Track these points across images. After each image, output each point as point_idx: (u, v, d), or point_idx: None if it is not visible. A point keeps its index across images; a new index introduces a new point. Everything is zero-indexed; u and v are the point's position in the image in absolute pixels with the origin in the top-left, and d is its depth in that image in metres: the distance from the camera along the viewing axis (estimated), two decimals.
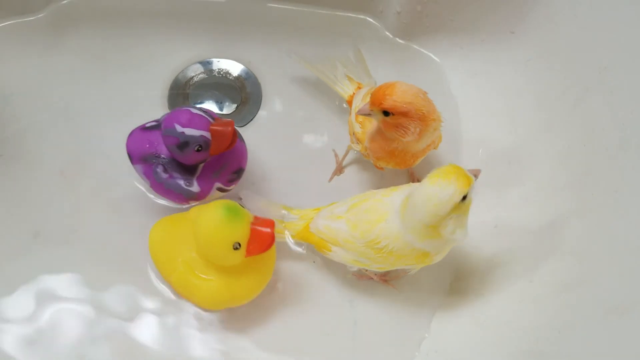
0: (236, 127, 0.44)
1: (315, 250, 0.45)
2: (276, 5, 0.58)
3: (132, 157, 0.46)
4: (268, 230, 0.40)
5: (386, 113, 0.40)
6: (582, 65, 0.46)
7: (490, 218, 0.46)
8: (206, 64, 0.56)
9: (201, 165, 0.45)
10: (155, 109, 0.54)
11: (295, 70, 0.55)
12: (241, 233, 0.39)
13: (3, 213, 0.49)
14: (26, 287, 0.46)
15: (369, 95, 0.42)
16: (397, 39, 0.57)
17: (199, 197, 0.45)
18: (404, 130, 0.41)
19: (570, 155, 0.45)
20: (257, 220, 0.40)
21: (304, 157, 0.52)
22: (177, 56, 0.56)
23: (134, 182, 0.50)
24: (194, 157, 0.43)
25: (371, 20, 0.58)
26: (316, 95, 0.55)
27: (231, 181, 0.46)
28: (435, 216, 0.36)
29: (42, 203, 0.49)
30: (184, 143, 0.42)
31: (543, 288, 0.40)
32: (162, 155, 0.45)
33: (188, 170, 0.45)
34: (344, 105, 0.53)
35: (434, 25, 0.55)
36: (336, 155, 0.52)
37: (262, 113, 0.54)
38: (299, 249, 0.48)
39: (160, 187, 0.46)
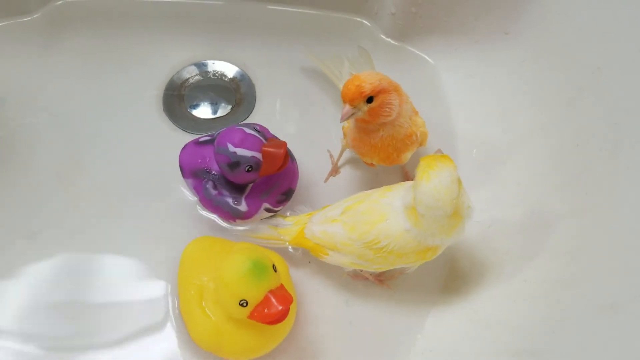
0: (288, 148, 0.45)
1: (310, 254, 0.45)
2: (272, 7, 0.58)
3: (183, 171, 0.47)
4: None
5: (370, 100, 0.41)
6: (575, 65, 0.46)
7: (485, 218, 0.46)
8: (201, 65, 0.56)
9: (251, 185, 0.45)
10: (151, 110, 0.54)
11: (288, 72, 0.55)
12: (253, 294, 0.37)
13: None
14: (19, 288, 0.46)
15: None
16: (392, 40, 0.57)
17: (246, 217, 0.46)
18: (389, 107, 0.42)
19: (564, 155, 0.45)
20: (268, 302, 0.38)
21: (298, 158, 0.52)
22: (172, 58, 0.56)
23: (129, 181, 0.50)
24: (244, 177, 0.43)
25: (366, 22, 0.58)
26: (309, 97, 0.55)
27: (280, 202, 0.46)
28: (452, 201, 0.36)
29: (37, 204, 0.49)
30: (235, 163, 0.42)
31: (537, 287, 0.40)
32: (213, 172, 0.45)
33: (237, 189, 0.45)
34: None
35: (428, 27, 0.55)
36: (331, 156, 0.53)
37: (256, 114, 0.54)
38: (291, 251, 0.48)
39: (209, 203, 0.46)
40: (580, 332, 0.35)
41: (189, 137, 0.52)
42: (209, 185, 0.46)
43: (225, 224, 0.48)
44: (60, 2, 0.58)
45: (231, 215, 0.46)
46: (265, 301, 0.38)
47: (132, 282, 0.47)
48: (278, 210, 0.47)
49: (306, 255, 0.47)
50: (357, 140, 0.45)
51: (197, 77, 0.56)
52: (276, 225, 0.46)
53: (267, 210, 0.46)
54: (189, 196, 0.50)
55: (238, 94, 0.55)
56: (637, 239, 0.36)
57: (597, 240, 0.39)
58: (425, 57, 0.57)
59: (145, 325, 0.45)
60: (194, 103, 0.55)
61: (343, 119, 0.41)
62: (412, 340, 0.44)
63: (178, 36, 0.57)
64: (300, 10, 0.58)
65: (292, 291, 0.42)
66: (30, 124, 0.53)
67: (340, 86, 0.51)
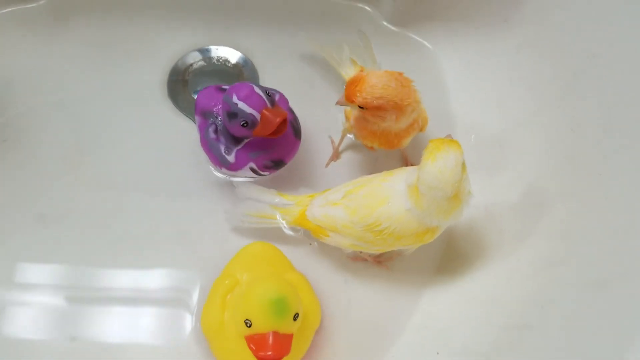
0: (294, 124, 0.47)
1: (311, 235, 0.46)
2: None
3: (196, 108, 0.49)
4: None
5: (361, 106, 0.42)
6: (571, 52, 0.47)
7: (481, 201, 0.47)
8: (205, 51, 0.57)
9: (246, 141, 0.46)
10: (155, 95, 0.55)
11: (290, 57, 0.56)
12: (260, 323, 0.37)
13: (8, 197, 0.50)
14: (29, 270, 0.47)
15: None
16: (393, 26, 0.58)
17: (231, 167, 0.47)
18: (380, 118, 0.43)
19: (558, 139, 0.46)
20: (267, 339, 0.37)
21: (301, 143, 0.53)
22: (176, 43, 0.57)
23: (134, 166, 0.51)
24: (239, 130, 0.45)
25: (368, 8, 0.59)
26: (312, 83, 0.56)
27: (267, 167, 0.47)
28: (454, 183, 0.38)
29: (45, 187, 0.50)
30: (233, 113, 0.44)
31: (528, 266, 0.41)
32: (219, 118, 0.47)
33: (234, 140, 0.47)
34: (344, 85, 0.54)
35: (428, 13, 0.56)
36: (332, 142, 0.53)
37: None
38: (292, 234, 0.49)
39: (205, 144, 0.48)
40: (568, 308, 0.37)
41: (192, 122, 0.53)
42: (211, 128, 0.48)
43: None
44: None
45: (219, 161, 0.48)
46: (264, 337, 0.37)
47: (138, 267, 0.48)
48: (263, 175, 0.48)
49: (307, 237, 0.48)
50: (357, 122, 0.46)
51: (201, 63, 0.57)
52: (276, 205, 0.47)
53: (252, 170, 0.47)
54: (191, 179, 0.51)
55: (241, 79, 0.56)
56: (623, 221, 0.37)
57: (585, 222, 0.40)
58: (425, 43, 0.57)
59: (157, 311, 0.46)
60: (198, 88, 0.56)
61: (337, 104, 0.43)
62: (408, 318, 0.46)
63: (182, 22, 0.57)
64: None
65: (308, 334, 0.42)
66: (36, 108, 0.53)
67: (342, 72, 0.52)
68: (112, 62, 0.56)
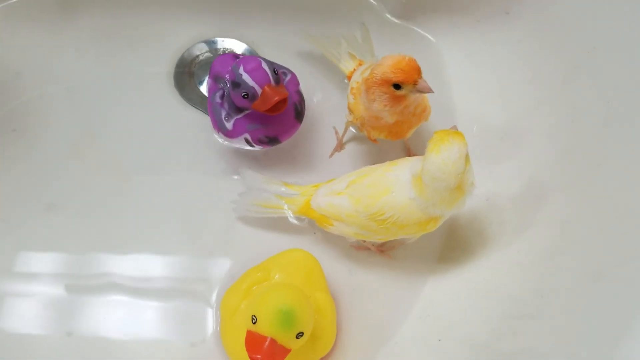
0: (298, 107, 0.49)
1: (315, 224, 0.47)
2: None
3: (210, 71, 0.50)
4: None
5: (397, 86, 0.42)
6: (572, 45, 0.47)
7: (483, 191, 0.47)
8: (211, 43, 0.58)
9: (247, 112, 0.48)
10: (161, 86, 0.55)
11: (295, 49, 0.56)
12: (263, 325, 0.37)
13: (17, 185, 0.50)
14: (36, 260, 0.48)
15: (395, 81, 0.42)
16: (396, 19, 0.58)
17: (227, 134, 0.49)
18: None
19: (559, 130, 0.46)
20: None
21: (304, 134, 0.54)
22: (183, 35, 0.57)
23: (141, 155, 0.52)
24: (240, 100, 0.46)
25: (372, 0, 0.59)
26: (316, 75, 0.56)
27: (260, 142, 0.49)
28: (457, 175, 0.38)
29: (53, 176, 0.51)
30: (236, 83, 0.45)
31: (528, 256, 0.42)
32: (228, 85, 0.48)
33: (236, 109, 0.48)
34: (345, 81, 0.55)
35: (431, 6, 0.56)
36: (336, 132, 0.54)
37: None
38: (297, 223, 0.49)
39: (210, 106, 0.50)
40: (567, 297, 0.37)
41: (198, 113, 0.54)
42: (219, 93, 0.49)
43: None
44: None
45: (218, 126, 0.49)
46: (262, 339, 0.37)
47: (143, 256, 0.49)
48: (254, 148, 0.50)
49: (312, 226, 0.49)
50: (370, 113, 0.45)
51: (207, 54, 0.57)
52: (282, 195, 0.48)
53: (246, 141, 0.49)
54: (198, 169, 0.52)
55: None
56: (622, 211, 0.38)
57: (585, 212, 0.41)
58: (428, 35, 0.57)
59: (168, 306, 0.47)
60: (204, 79, 0.56)
61: (427, 91, 0.42)
62: (411, 306, 0.46)
63: (189, 14, 0.58)
64: None
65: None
66: (44, 97, 0.54)
67: (341, 66, 0.53)
68: (119, 52, 0.56)
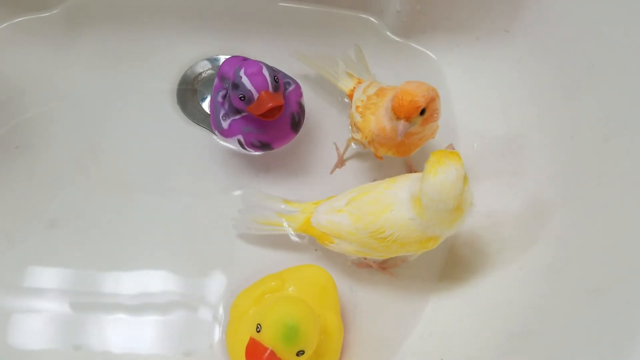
0: (295, 117, 0.49)
1: (316, 241, 0.47)
2: (283, 4, 0.60)
3: (219, 70, 0.51)
4: None
5: (422, 112, 0.42)
6: (571, 62, 0.47)
7: (484, 208, 0.47)
8: (213, 60, 0.58)
9: (245, 114, 0.48)
10: (164, 103, 0.56)
11: (297, 66, 0.57)
12: (266, 335, 0.37)
13: (20, 201, 0.51)
14: (39, 276, 0.48)
15: (388, 114, 0.43)
16: (397, 37, 0.59)
17: (222, 133, 0.50)
18: (437, 113, 0.44)
19: (560, 147, 0.46)
20: None
21: (305, 150, 0.54)
22: (185, 53, 0.58)
23: (143, 173, 0.52)
24: (237, 102, 0.47)
25: (372, 19, 0.60)
26: (317, 91, 0.57)
27: (253, 145, 0.49)
28: (456, 197, 0.38)
29: (57, 192, 0.51)
30: (235, 85, 0.46)
31: (530, 273, 0.42)
32: (229, 86, 0.49)
33: (234, 110, 0.49)
34: (345, 99, 0.55)
35: (431, 24, 0.57)
36: (337, 149, 0.54)
37: None
38: (298, 240, 0.49)
39: (211, 104, 0.51)
40: (568, 315, 0.37)
41: (200, 130, 0.55)
42: (222, 93, 0.50)
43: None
44: None
45: (215, 124, 0.50)
46: (262, 349, 0.36)
47: (143, 273, 0.48)
48: (247, 150, 0.50)
49: (312, 243, 0.49)
50: (384, 132, 0.45)
51: (210, 72, 0.58)
52: (282, 212, 0.48)
53: (239, 142, 0.49)
54: (199, 186, 0.52)
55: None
56: (624, 227, 0.38)
57: (586, 228, 0.40)
58: (429, 53, 0.58)
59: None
60: (206, 97, 0.56)
61: (401, 136, 0.42)
62: (413, 324, 0.46)
63: (191, 32, 0.59)
64: (310, 7, 0.59)
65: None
66: (48, 115, 0.54)
67: (340, 85, 0.53)
68: (123, 69, 0.57)
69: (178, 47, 0.58)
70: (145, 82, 0.57)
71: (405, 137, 0.44)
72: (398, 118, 0.42)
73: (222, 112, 0.49)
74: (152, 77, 0.57)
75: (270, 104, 0.45)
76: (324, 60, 0.54)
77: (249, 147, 0.49)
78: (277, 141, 0.50)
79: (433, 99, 0.43)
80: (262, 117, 0.46)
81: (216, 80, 0.52)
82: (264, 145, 0.49)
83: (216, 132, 0.51)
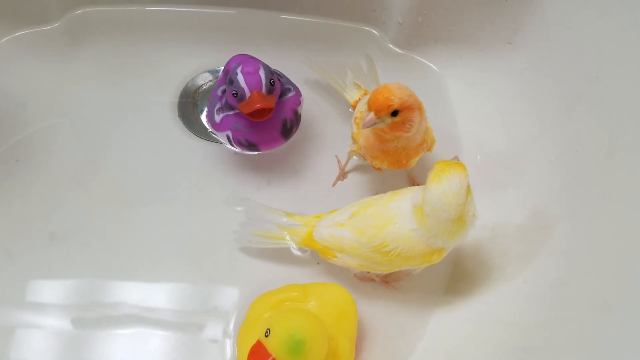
0: (287, 124, 0.49)
1: (319, 255, 0.47)
2: (285, 16, 0.60)
3: (225, 66, 0.52)
4: None
5: (394, 113, 0.42)
6: (574, 75, 0.47)
7: (488, 222, 0.47)
8: (215, 72, 0.58)
9: (237, 111, 0.49)
10: (165, 116, 0.56)
11: (302, 77, 0.57)
12: (272, 342, 0.37)
13: (20, 215, 0.50)
14: (40, 290, 0.47)
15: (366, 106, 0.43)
16: (399, 49, 0.59)
17: (213, 126, 0.51)
18: (409, 124, 0.42)
19: (563, 160, 0.46)
20: None
21: (307, 162, 0.54)
22: (186, 65, 0.58)
23: (144, 184, 0.52)
24: (230, 97, 0.47)
25: (374, 31, 0.60)
26: (320, 104, 0.57)
27: (240, 143, 0.50)
28: (458, 207, 0.38)
29: (57, 206, 0.51)
30: (231, 81, 0.46)
31: (535, 287, 0.42)
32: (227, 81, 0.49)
33: (229, 106, 0.49)
34: (350, 110, 0.55)
35: (433, 36, 0.57)
36: (339, 161, 0.54)
37: None
38: (300, 254, 0.49)
39: (211, 96, 0.52)
40: (574, 330, 0.37)
41: (202, 142, 0.54)
42: (222, 87, 0.50)
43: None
44: (79, 11, 0.60)
45: (209, 116, 0.51)
46: (266, 354, 0.37)
47: (145, 286, 0.48)
48: (233, 147, 0.51)
49: (314, 257, 0.49)
50: (369, 142, 0.46)
51: (211, 84, 0.58)
52: (284, 225, 0.47)
53: (228, 138, 0.50)
54: (199, 198, 0.52)
55: None
56: (628, 241, 0.38)
57: (590, 243, 0.40)
58: (431, 65, 0.58)
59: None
60: (205, 108, 0.56)
61: (365, 127, 0.42)
62: (417, 339, 0.46)
63: (193, 44, 0.59)
64: (312, 19, 0.60)
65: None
66: (48, 128, 0.54)
67: (346, 96, 0.53)
68: (124, 83, 0.57)
69: (179, 60, 0.58)
70: (146, 94, 0.57)
71: (379, 140, 0.44)
72: (369, 110, 0.42)
73: (217, 106, 0.50)
74: (152, 90, 0.57)
75: (259, 105, 0.45)
76: (334, 69, 0.54)
77: (236, 144, 0.50)
78: (265, 144, 0.50)
79: (411, 107, 0.42)
80: (250, 116, 0.47)
81: (221, 74, 0.52)
82: (251, 145, 0.50)
83: (208, 125, 0.51)
